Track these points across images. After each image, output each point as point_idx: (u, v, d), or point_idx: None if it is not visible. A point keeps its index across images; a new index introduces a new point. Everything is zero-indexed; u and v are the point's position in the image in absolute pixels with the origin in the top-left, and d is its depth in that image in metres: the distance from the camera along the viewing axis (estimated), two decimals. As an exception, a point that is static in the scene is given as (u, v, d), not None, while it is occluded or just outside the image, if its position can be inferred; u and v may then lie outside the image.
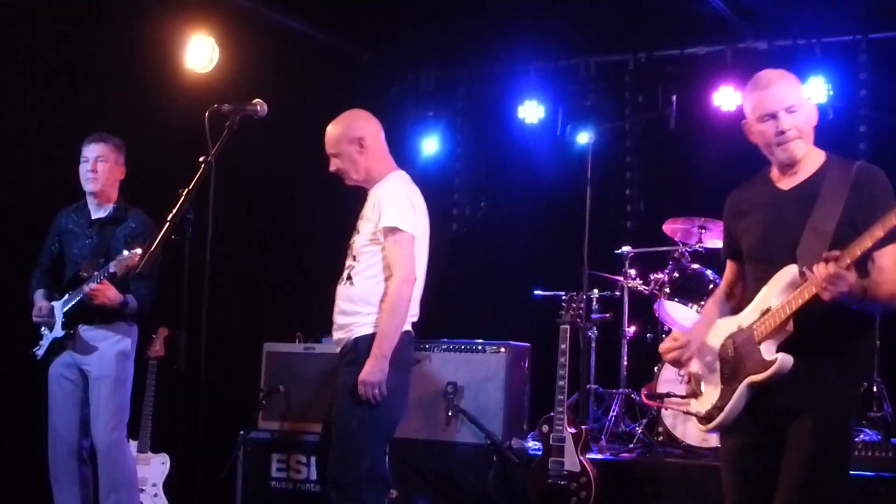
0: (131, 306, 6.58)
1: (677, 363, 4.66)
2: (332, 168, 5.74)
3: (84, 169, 6.68)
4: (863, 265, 4.16)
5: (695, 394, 4.62)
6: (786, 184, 4.49)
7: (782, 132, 4.39)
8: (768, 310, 4.30)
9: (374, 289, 5.53)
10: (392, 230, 5.51)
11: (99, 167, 6.65)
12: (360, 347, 5.47)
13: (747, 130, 4.55)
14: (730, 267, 4.82)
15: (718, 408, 4.44)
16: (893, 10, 9.07)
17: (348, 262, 5.65)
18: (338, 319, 5.62)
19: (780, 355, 4.23)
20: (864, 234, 4.01)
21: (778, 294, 4.29)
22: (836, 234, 4.23)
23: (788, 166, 4.46)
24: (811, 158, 4.48)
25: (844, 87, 9.49)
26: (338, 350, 5.66)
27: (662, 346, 4.70)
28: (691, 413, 4.64)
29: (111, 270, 6.29)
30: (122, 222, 6.71)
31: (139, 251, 6.17)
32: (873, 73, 9.46)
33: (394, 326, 5.46)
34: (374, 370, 5.37)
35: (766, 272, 4.41)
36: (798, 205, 4.39)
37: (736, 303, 4.77)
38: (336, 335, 5.66)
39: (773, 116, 4.39)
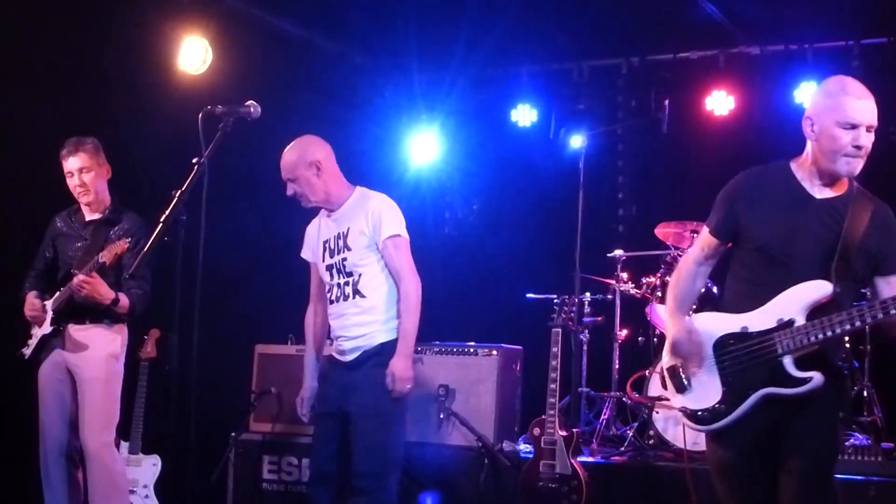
0: (122, 304, 6.55)
1: (687, 354, 4.63)
2: (290, 192, 6.03)
3: (72, 184, 6.67)
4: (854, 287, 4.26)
5: (681, 388, 4.60)
6: (818, 192, 4.48)
7: (859, 147, 4.37)
8: (790, 322, 4.31)
9: (387, 296, 5.99)
10: (393, 237, 5.94)
11: (86, 179, 6.64)
12: (388, 350, 5.89)
13: (810, 126, 4.48)
14: (710, 245, 4.74)
15: (723, 412, 4.44)
16: (885, 16, 9.09)
17: (339, 279, 6.00)
18: (350, 332, 5.96)
19: (816, 375, 4.27)
20: None
21: (802, 308, 4.31)
22: (855, 261, 4.33)
23: (828, 176, 4.46)
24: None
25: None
26: (347, 358, 5.97)
27: (677, 337, 4.65)
28: (678, 408, 4.62)
29: (101, 260, 6.27)
30: (116, 224, 6.70)
31: (127, 240, 6.28)
32: (865, 78, 9.40)
33: (414, 326, 5.95)
34: (405, 367, 5.86)
35: (779, 276, 4.40)
36: (830, 220, 4.41)
37: (703, 283, 4.81)
38: (349, 344, 5.96)
39: (856, 128, 4.37)
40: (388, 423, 5.90)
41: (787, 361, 4.30)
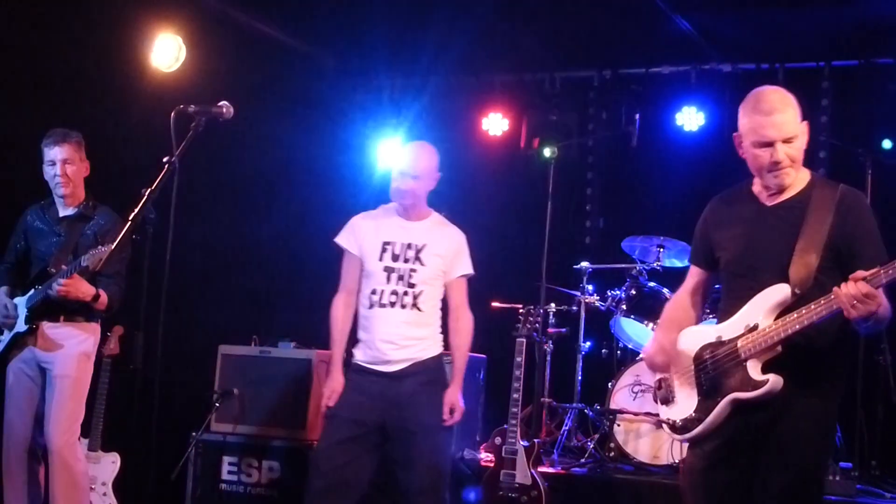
0: (102, 300, 6.52)
1: (659, 369, 4.68)
2: (407, 187, 6.18)
3: (51, 173, 6.62)
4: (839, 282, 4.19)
5: (667, 400, 4.63)
6: (770, 199, 4.51)
7: (777, 163, 4.39)
8: (755, 327, 4.32)
9: (437, 315, 6.20)
10: (467, 276, 6.33)
11: (69, 170, 6.60)
12: (435, 366, 6.13)
13: (738, 144, 4.52)
14: (695, 273, 4.83)
15: (697, 420, 4.46)
16: (856, 39, 9.17)
17: (399, 286, 6.04)
18: (401, 341, 6.01)
19: (772, 377, 4.27)
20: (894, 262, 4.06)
21: (766, 312, 4.32)
22: (821, 257, 4.29)
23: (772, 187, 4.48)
24: (798, 176, 4.49)
25: (806, 112, 9.53)
26: (391, 368, 6.00)
27: (650, 352, 4.70)
28: (664, 421, 4.65)
29: (83, 264, 6.22)
30: (91, 219, 6.66)
31: (112, 245, 6.18)
32: (834, 99, 9.55)
33: (467, 359, 6.33)
34: (460, 397, 6.12)
35: (746, 286, 4.43)
36: (782, 222, 4.42)
37: (699, 312, 4.82)
38: (398, 354, 6.00)
39: (770, 145, 4.39)
40: (445, 442, 6.09)
41: (750, 365, 4.31)
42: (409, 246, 6.09)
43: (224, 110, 5.19)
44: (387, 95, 11.25)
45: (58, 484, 6.52)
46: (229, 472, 7.97)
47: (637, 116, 9.62)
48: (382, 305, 6.01)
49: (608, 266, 9.19)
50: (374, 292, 6.04)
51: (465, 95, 10.97)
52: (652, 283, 8.58)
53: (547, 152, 8.93)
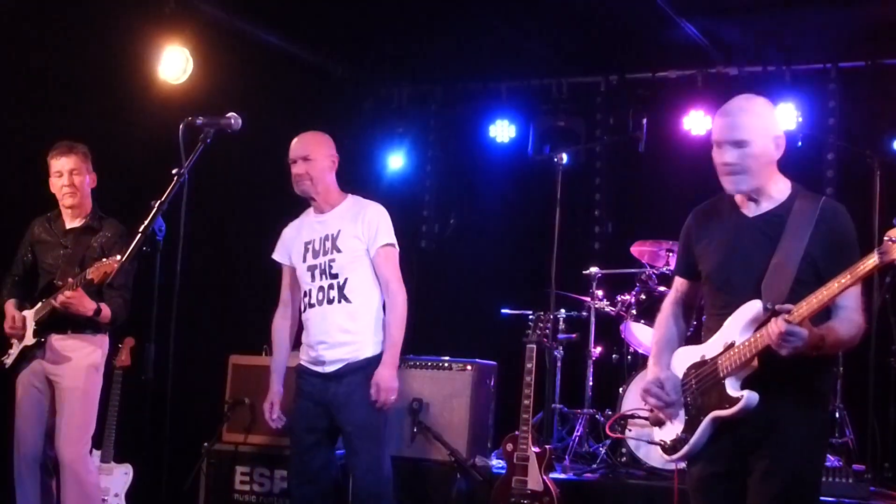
0: (104, 314, 6.53)
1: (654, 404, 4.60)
2: (300, 170, 6.03)
3: (59, 184, 6.65)
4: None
5: (660, 422, 4.62)
6: (750, 210, 4.46)
7: (724, 164, 4.38)
8: (732, 344, 4.29)
9: (372, 304, 5.99)
10: (387, 247, 6.03)
11: (76, 181, 6.63)
12: (374, 365, 5.91)
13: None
14: (681, 283, 4.79)
15: (683, 440, 4.44)
16: (863, 40, 9.17)
17: (323, 281, 5.94)
18: (334, 338, 5.91)
19: (747, 393, 4.23)
20: (830, 282, 4.00)
21: (742, 329, 4.29)
22: (799, 270, 4.24)
23: (752, 192, 4.43)
24: (776, 187, 4.44)
25: (813, 114, 9.56)
26: (327, 368, 5.93)
27: (650, 392, 4.59)
28: (656, 442, 4.64)
29: (88, 277, 6.23)
30: (97, 232, 6.68)
31: (118, 257, 6.17)
32: (842, 101, 9.55)
33: (400, 336, 6.01)
34: (391, 377, 5.91)
35: (725, 301, 4.41)
36: (761, 235, 4.38)
37: (689, 321, 4.80)
38: (332, 354, 5.91)
39: (721, 146, 4.39)
40: (380, 440, 5.95)
41: (728, 383, 4.28)
42: (325, 238, 6.02)
43: (232, 122, 5.19)
44: (394, 104, 11.27)
45: (70, 497, 6.53)
46: (241, 482, 7.98)
47: (644, 121, 9.60)
48: (312, 305, 5.99)
49: (617, 271, 9.19)
50: (305, 294, 6.04)
51: (473, 103, 10.99)
52: (662, 288, 8.58)
53: (555, 158, 8.94)
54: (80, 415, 6.58)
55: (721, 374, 4.31)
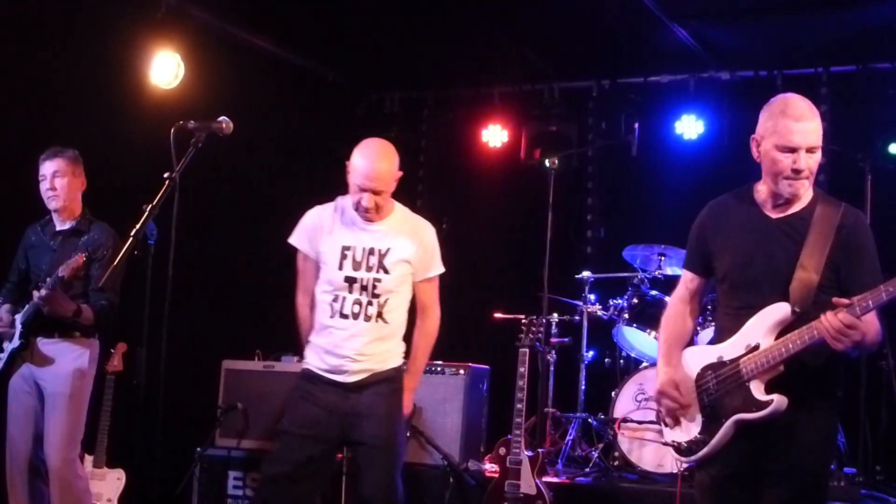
0: (85, 315, 6.48)
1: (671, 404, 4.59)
2: (370, 204, 5.59)
3: (43, 187, 6.63)
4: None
5: (671, 423, 4.62)
6: (774, 211, 4.47)
7: (798, 171, 4.35)
8: (756, 346, 4.31)
9: (403, 321, 5.81)
10: (437, 276, 5.89)
11: (57, 183, 6.60)
12: (396, 376, 5.75)
13: (755, 147, 4.49)
14: (691, 279, 4.77)
15: (702, 441, 4.44)
16: (854, 44, 9.18)
17: (362, 296, 5.63)
18: (363, 353, 5.63)
19: (777, 397, 4.25)
20: (880, 287, 4.03)
21: (767, 332, 4.30)
22: (823, 275, 4.27)
23: (781, 195, 4.43)
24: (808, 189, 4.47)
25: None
26: (348, 379, 5.64)
27: (663, 389, 4.60)
28: (668, 444, 4.64)
29: (60, 275, 6.22)
30: (85, 234, 6.66)
31: (84, 254, 6.20)
32: (833, 105, 9.57)
33: (426, 363, 6.04)
34: (412, 401, 5.94)
35: (745, 301, 4.42)
36: (787, 237, 4.39)
37: (695, 319, 4.81)
38: (358, 366, 5.64)
39: (795, 151, 4.34)
40: (399, 456, 5.73)
41: (754, 386, 4.29)
42: (371, 251, 5.64)
43: (223, 126, 5.17)
44: (386, 109, 11.27)
45: (59, 502, 6.51)
46: (234, 487, 7.98)
47: (636, 126, 9.63)
48: (345, 316, 5.63)
49: (610, 275, 9.19)
50: (336, 300, 5.65)
51: (465, 107, 11.01)
52: (654, 292, 8.60)
53: (547, 163, 8.95)
54: (67, 420, 6.53)
55: (745, 377, 4.32)
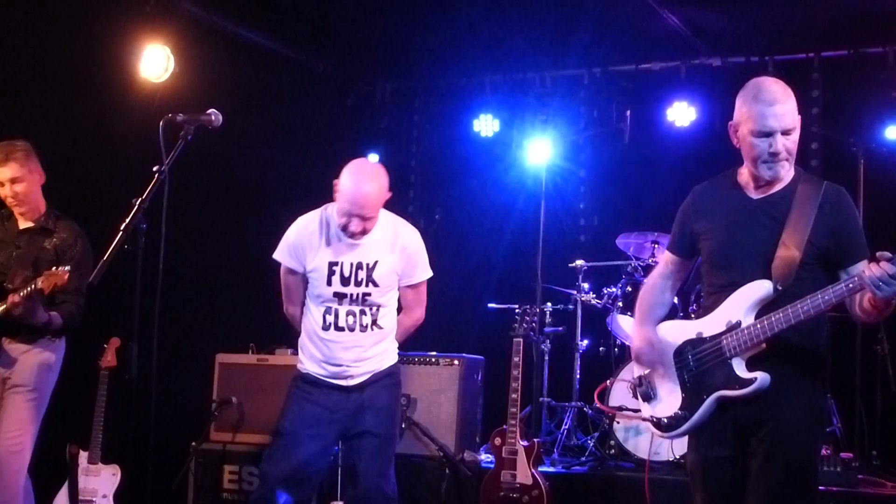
0: (55, 324, 6.40)
1: (648, 364, 4.65)
2: (358, 229, 5.61)
3: (2, 194, 6.47)
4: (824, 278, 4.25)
5: (648, 397, 4.63)
6: (757, 192, 4.49)
7: (776, 154, 4.36)
8: (737, 324, 4.32)
9: (394, 321, 5.90)
10: (424, 281, 5.98)
11: (18, 189, 6.45)
12: (397, 370, 5.92)
13: (733, 133, 4.49)
14: (671, 261, 4.81)
15: (683, 417, 4.47)
16: (845, 29, 9.17)
17: (354, 308, 5.72)
18: (366, 355, 5.76)
19: (760, 374, 4.27)
20: None
21: (748, 309, 4.33)
22: (805, 252, 4.29)
23: (761, 178, 4.45)
24: (788, 170, 4.48)
25: (797, 104, 9.54)
26: (351, 382, 5.75)
27: (638, 347, 4.68)
28: (646, 418, 4.64)
29: (38, 287, 6.07)
30: (52, 233, 6.54)
31: (68, 269, 6.06)
32: (825, 90, 9.56)
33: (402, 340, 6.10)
34: None
35: (726, 279, 4.44)
36: (767, 216, 4.42)
37: (672, 295, 4.84)
38: (359, 370, 5.75)
39: (770, 135, 4.35)
40: (394, 449, 5.88)
41: (736, 363, 4.32)
42: (359, 266, 5.68)
43: (213, 118, 5.14)
44: (377, 100, 11.25)
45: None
46: (230, 481, 7.97)
47: (628, 113, 9.63)
48: (340, 328, 5.72)
49: (603, 263, 9.19)
50: (330, 312, 5.73)
51: (456, 97, 10.99)
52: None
53: (539, 152, 8.92)
54: (23, 412, 6.42)
55: (728, 354, 4.34)
